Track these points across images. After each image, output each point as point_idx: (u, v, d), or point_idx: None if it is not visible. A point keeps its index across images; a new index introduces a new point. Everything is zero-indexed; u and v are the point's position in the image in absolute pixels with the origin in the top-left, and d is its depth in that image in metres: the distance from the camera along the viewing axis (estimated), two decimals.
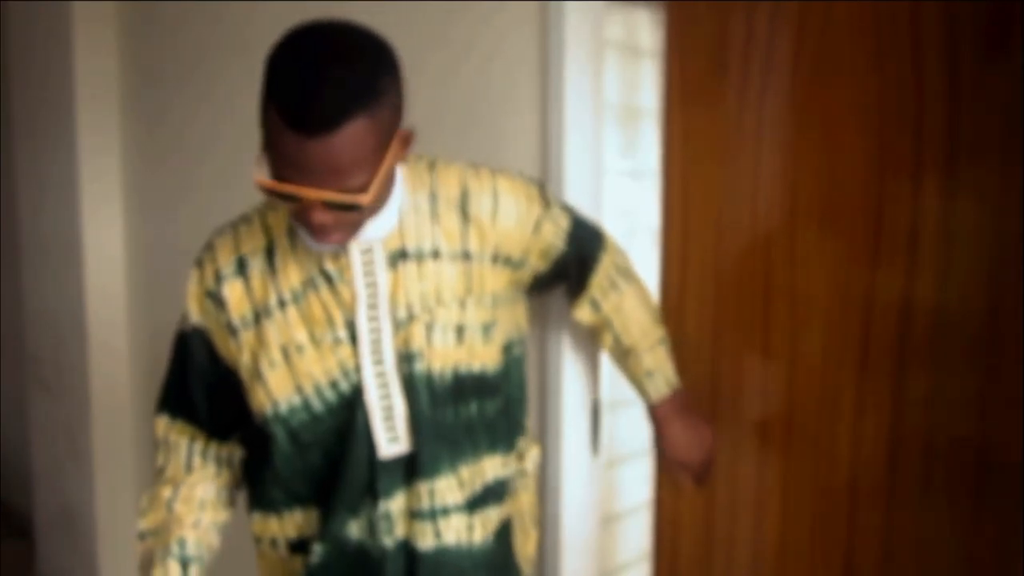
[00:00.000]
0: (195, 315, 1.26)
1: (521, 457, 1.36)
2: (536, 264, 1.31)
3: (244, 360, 1.23)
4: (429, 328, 1.21)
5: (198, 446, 1.32)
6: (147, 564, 1.27)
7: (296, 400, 1.21)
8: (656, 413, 1.44)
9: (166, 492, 1.29)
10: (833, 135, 1.35)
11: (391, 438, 1.21)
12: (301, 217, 1.08)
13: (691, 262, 1.53)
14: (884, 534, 1.35)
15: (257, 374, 1.21)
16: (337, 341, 1.20)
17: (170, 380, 1.33)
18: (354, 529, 1.24)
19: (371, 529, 1.23)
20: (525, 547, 1.40)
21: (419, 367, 1.21)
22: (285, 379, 1.20)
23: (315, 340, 1.20)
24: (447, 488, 1.24)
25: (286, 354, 1.20)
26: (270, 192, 1.06)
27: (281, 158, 1.03)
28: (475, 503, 1.28)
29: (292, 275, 1.20)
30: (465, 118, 1.66)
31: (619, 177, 1.73)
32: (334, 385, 1.20)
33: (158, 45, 2.50)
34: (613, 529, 1.82)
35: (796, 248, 1.40)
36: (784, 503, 1.46)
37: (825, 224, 1.37)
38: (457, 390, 1.24)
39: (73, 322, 2.68)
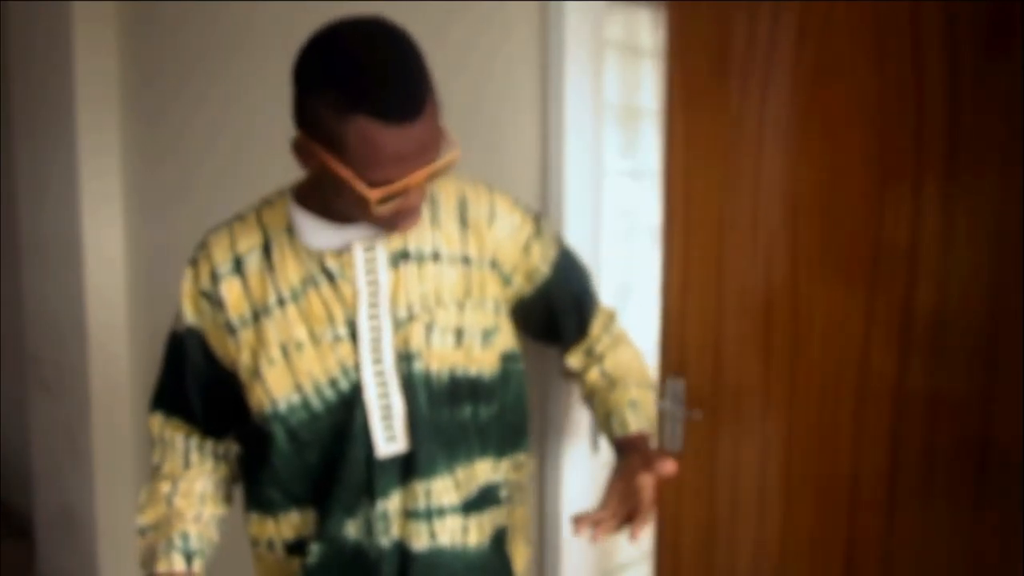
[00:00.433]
0: (189, 315, 1.26)
1: (518, 468, 1.35)
2: (521, 285, 1.31)
3: (243, 359, 1.22)
4: (428, 329, 1.21)
5: (194, 442, 1.32)
6: (149, 558, 1.27)
7: (295, 398, 1.21)
8: (627, 442, 1.31)
9: (165, 487, 1.30)
10: (834, 135, 1.35)
11: (388, 437, 1.21)
12: (398, 207, 1.10)
13: (692, 262, 1.53)
14: (885, 535, 1.35)
15: (256, 373, 1.21)
16: (337, 339, 1.20)
17: (164, 379, 1.33)
18: (351, 529, 1.24)
19: (368, 529, 1.23)
20: (518, 561, 1.40)
21: (418, 367, 1.21)
22: (284, 377, 1.20)
23: (315, 338, 1.20)
24: (443, 489, 1.24)
25: (285, 352, 1.20)
26: (383, 199, 1.07)
27: (382, 160, 1.04)
28: (470, 506, 1.28)
29: (291, 273, 1.20)
30: (465, 118, 1.66)
31: (619, 177, 1.73)
32: (333, 383, 1.20)
33: (158, 45, 2.50)
34: None
35: (797, 247, 1.40)
36: (785, 503, 1.46)
37: (826, 224, 1.37)
38: (452, 392, 1.24)
39: (73, 322, 2.69)
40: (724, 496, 1.53)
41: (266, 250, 1.22)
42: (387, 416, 1.21)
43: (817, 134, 1.37)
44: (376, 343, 1.20)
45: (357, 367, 1.20)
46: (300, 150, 1.12)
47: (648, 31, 1.74)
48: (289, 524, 1.28)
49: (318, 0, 1.93)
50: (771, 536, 1.48)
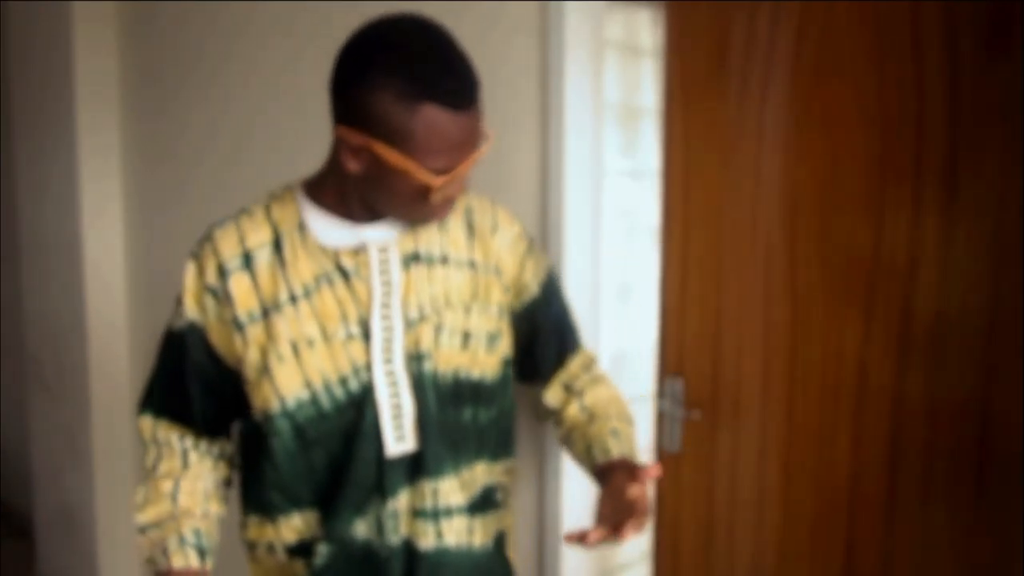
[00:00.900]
0: (192, 311, 1.24)
1: (509, 472, 1.36)
2: (512, 301, 1.32)
3: (250, 356, 1.22)
4: (438, 330, 1.22)
5: (189, 442, 1.32)
6: (158, 555, 1.26)
7: (304, 395, 1.20)
8: (609, 466, 1.26)
9: (166, 485, 1.29)
10: (833, 135, 1.35)
11: (398, 437, 1.21)
12: (447, 195, 1.15)
13: (691, 262, 1.53)
14: (884, 535, 1.35)
15: (265, 369, 1.21)
16: (349, 337, 1.20)
17: (156, 379, 1.32)
18: (361, 529, 1.24)
19: (379, 528, 1.23)
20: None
21: (427, 367, 1.22)
22: (294, 373, 1.20)
23: (327, 336, 1.20)
24: (451, 489, 1.24)
25: (296, 348, 1.20)
26: (441, 186, 1.11)
27: (447, 146, 1.10)
28: (475, 507, 1.28)
29: (304, 269, 1.20)
30: None
31: (619, 177, 1.73)
32: (343, 382, 1.20)
33: (158, 45, 2.50)
34: None
35: (796, 247, 1.40)
36: (784, 503, 1.46)
37: (825, 223, 1.37)
38: (455, 393, 1.25)
39: (73, 322, 2.69)
40: (723, 496, 1.53)
41: (277, 246, 1.22)
42: (397, 416, 1.21)
43: (817, 134, 1.37)
44: (388, 343, 1.20)
45: (368, 366, 1.20)
46: (348, 148, 1.12)
47: (648, 31, 1.74)
48: (290, 527, 1.27)
49: (318, 0, 1.93)
50: (770, 536, 1.48)
